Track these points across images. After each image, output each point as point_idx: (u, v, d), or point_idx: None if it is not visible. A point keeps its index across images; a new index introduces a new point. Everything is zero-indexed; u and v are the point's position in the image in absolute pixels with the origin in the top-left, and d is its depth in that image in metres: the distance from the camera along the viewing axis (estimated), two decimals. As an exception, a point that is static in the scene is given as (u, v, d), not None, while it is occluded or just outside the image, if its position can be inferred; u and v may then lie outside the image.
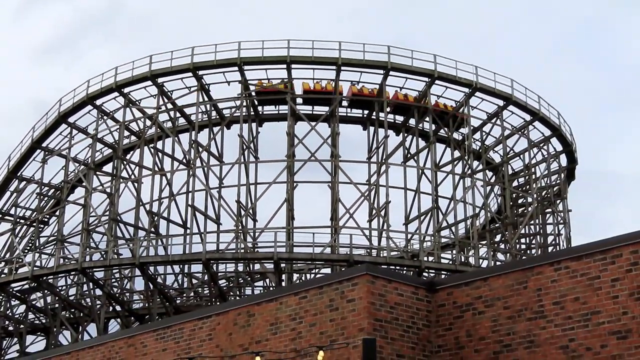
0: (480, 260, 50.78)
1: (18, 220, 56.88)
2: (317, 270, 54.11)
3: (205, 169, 52.41)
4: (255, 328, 17.35)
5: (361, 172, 53.79)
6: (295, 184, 49.86)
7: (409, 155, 53.61)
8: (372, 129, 54.43)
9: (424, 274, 45.74)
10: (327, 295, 16.16)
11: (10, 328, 56.23)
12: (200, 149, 52.51)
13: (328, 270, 51.39)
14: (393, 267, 44.32)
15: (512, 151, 56.18)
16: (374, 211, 51.19)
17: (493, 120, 53.90)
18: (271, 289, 52.85)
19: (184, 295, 55.55)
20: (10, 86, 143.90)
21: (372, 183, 51.31)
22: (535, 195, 54.35)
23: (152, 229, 51.71)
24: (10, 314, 55.48)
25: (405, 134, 54.26)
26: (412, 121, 53.86)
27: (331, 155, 50.91)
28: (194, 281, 55.89)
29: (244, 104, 51.87)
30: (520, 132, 54.51)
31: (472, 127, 52.42)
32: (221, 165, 53.33)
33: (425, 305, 16.41)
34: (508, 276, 15.79)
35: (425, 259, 46.47)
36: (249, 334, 17.40)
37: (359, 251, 46.96)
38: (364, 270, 15.84)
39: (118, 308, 52.02)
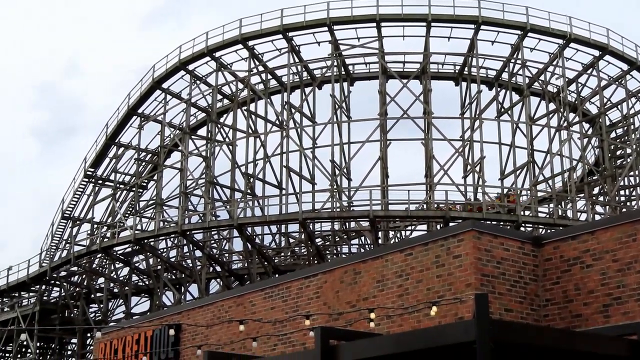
0: (579, 214, 50.12)
1: (118, 185, 58.29)
2: (412, 227, 54.20)
3: (299, 129, 52.78)
4: (361, 285, 17.61)
5: (454, 128, 53.74)
6: (388, 142, 49.86)
7: (502, 109, 53.00)
8: (464, 84, 54.01)
9: (521, 228, 45.39)
10: (433, 251, 16.29)
11: (116, 290, 57.98)
12: (293, 110, 52.87)
13: (424, 227, 51.40)
14: (490, 223, 44.06)
15: (609, 102, 55.04)
16: (469, 167, 50.94)
17: (589, 71, 52.87)
18: (367, 246, 53.25)
19: (282, 254, 56.35)
20: (119, 55, 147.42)
21: (466, 139, 50.97)
22: (634, 146, 53.23)
23: (249, 191, 52.48)
24: (115, 277, 57.19)
25: (498, 89, 53.67)
26: (504, 75, 53.29)
27: (424, 112, 50.77)
28: (291, 241, 56.63)
29: (335, 64, 52.00)
30: (617, 82, 53.34)
31: (567, 79, 51.47)
32: (314, 126, 53.65)
33: (531, 260, 16.40)
34: (616, 229, 15.63)
35: (522, 213, 46.08)
36: (355, 292, 17.67)
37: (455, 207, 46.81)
38: (469, 226, 15.91)
39: (218, 269, 53.10)
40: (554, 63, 51.40)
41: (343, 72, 53.63)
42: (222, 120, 56.80)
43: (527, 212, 47.86)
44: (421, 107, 51.21)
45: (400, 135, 51.04)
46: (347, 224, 53.27)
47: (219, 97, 55.91)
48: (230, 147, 53.59)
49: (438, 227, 46.59)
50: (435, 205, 46.88)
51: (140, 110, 55.95)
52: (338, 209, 48.40)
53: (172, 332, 21.38)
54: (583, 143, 52.43)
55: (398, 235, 55.03)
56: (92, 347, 53.18)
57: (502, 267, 15.83)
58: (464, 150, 51.02)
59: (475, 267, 15.42)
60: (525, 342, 12.25)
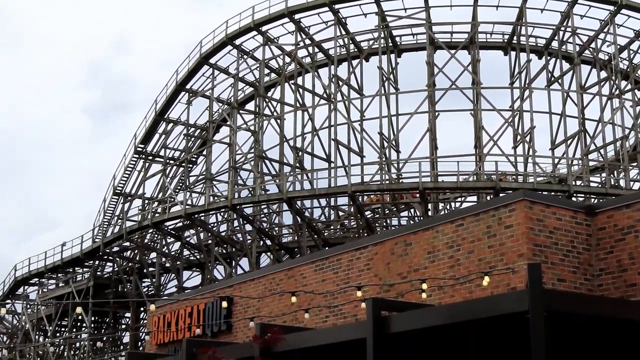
0: (632, 183, 49.42)
1: (168, 161, 58.77)
2: (462, 198, 53.90)
3: (346, 102, 52.63)
4: (412, 257, 17.57)
5: (504, 98, 52.97)
6: (437, 114, 49.57)
7: (552, 78, 52.34)
8: (513, 53, 53.37)
9: (573, 198, 44.90)
10: (484, 222, 16.18)
11: (168, 265, 58.60)
12: (340, 83, 52.73)
13: (474, 199, 51.09)
14: (540, 193, 43.60)
15: (662, 69, 54.04)
16: (519, 137, 50.43)
17: (641, 38, 51.96)
18: (417, 219, 53.08)
19: (332, 227, 56.43)
20: (168, 31, 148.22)
21: (516, 109, 50.44)
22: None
23: (297, 164, 52.56)
24: (166, 251, 57.79)
25: (548, 57, 52.95)
26: (554, 44, 52.56)
27: (472, 83, 50.30)
28: (341, 214, 56.67)
29: (382, 35, 51.69)
30: (670, 49, 52.39)
31: (618, 46, 50.59)
32: (362, 98, 53.39)
33: (584, 229, 16.20)
34: (671, 197, 15.39)
35: (574, 183, 45.54)
36: (406, 263, 17.64)
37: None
38: (520, 195, 15.77)
39: (268, 242, 53.36)
40: (605, 30, 50.57)
41: (390, 44, 53.29)
42: (269, 94, 56.87)
43: (578, 182, 47.37)
44: (470, 77, 50.75)
45: (449, 107, 50.91)
46: (396, 196, 53.02)
47: (266, 71, 55.97)
48: (279, 121, 53.67)
49: (488, 198, 46.27)
50: (485, 176, 46.58)
51: (188, 86, 56.24)
52: (387, 181, 48.27)
53: (224, 304, 21.55)
54: (635, 111, 51.55)
55: (448, 207, 54.78)
56: (145, 321, 53.94)
57: (555, 236, 15.67)
58: (513, 120, 50.54)
59: (528, 237, 15.29)
60: (579, 311, 12.15)
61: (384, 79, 51.32)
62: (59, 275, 62.94)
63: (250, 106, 58.27)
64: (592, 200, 46.58)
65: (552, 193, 45.17)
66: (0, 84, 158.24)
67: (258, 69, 54.85)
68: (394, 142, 51.82)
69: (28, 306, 64.84)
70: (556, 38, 52.06)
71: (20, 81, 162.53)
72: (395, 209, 56.03)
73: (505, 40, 53.84)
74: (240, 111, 56.25)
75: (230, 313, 22.82)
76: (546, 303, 11.29)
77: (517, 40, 52.41)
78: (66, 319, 61.11)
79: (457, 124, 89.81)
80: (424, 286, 15.04)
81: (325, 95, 53.49)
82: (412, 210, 55.73)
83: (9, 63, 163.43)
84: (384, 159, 49.61)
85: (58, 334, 62.65)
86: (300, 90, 54.17)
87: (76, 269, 61.80)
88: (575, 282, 15.69)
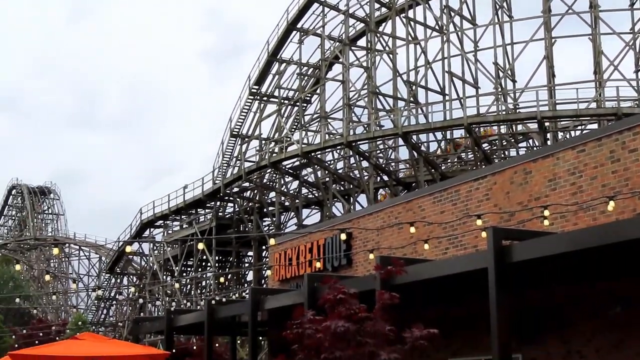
0: None
1: (282, 101, 59.23)
2: (582, 126, 52.54)
3: (459, 33, 51.67)
4: (533, 185, 17.25)
5: (624, 20, 50.99)
6: (553, 40, 48.18)
7: (676, -3, 50.08)
8: (633, -27, 51.21)
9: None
10: (607, 146, 15.71)
11: (287, 203, 59.37)
12: (452, 14, 51.75)
13: (594, 126, 49.72)
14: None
15: None
16: (641, 60, 48.66)
17: None
18: (535, 149, 52.09)
19: (449, 161, 55.96)
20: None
21: (637, 31, 48.57)
22: None
23: (411, 99, 52.14)
24: (285, 190, 58.51)
25: (671, -25, 50.61)
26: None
27: (590, 6, 48.59)
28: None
29: (494, -38, 50.36)
30: None
31: None
32: (475, 28, 52.40)
33: None
34: None
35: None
36: (527, 192, 17.33)
37: (627, 103, 44.96)
38: (645, 118, 15.24)
39: (385, 178, 53.34)
40: None
41: (503, -29, 51.91)
42: (381, 29, 56.36)
43: None
44: (587, 1, 49.02)
45: (566, 32, 49.36)
46: (514, 126, 52.08)
47: (377, 5, 55.39)
48: (391, 55, 53.22)
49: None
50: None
51: (299, 25, 56.27)
52: (504, 112, 47.41)
53: (343, 236, 21.69)
54: None
55: (567, 136, 53.47)
56: (267, 259, 54.94)
57: (683, 159, 15.11)
58: (635, 43, 48.72)
59: (654, 160, 14.79)
60: None
61: (497, 7, 50.15)
62: (183, 217, 64.68)
63: (362, 42, 57.99)
64: None
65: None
66: (122, 32, 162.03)
67: (368, 4, 54.32)
68: (509, 72, 50.75)
69: (155, 247, 66.98)
70: (679, -46, 49.70)
71: (140, 29, 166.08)
72: (513, 140, 55.10)
73: (624, -40, 51.72)
74: (352, 48, 56.01)
75: (350, 247, 22.99)
76: (675, 226, 10.95)
77: (636, -41, 50.25)
78: (191, 259, 62.87)
79: (575, 50, 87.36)
80: (546, 213, 14.77)
81: (437, 27, 52.70)
82: (530, 141, 54.68)
83: (128, 10, 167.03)
84: (499, 89, 48.71)
85: (184, 274, 64.58)
86: (412, 23, 53.46)
87: (198, 210, 63.36)
88: None
